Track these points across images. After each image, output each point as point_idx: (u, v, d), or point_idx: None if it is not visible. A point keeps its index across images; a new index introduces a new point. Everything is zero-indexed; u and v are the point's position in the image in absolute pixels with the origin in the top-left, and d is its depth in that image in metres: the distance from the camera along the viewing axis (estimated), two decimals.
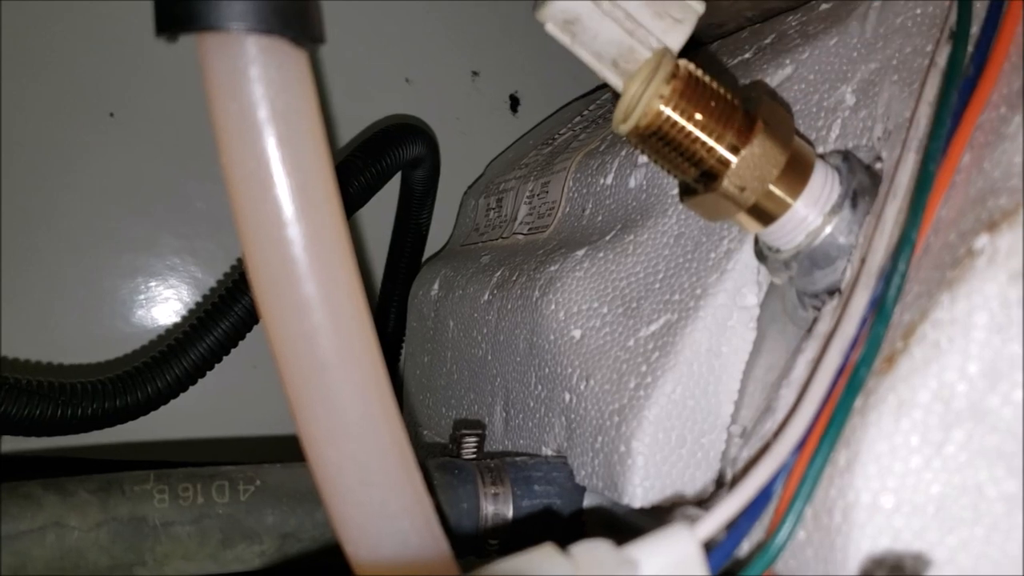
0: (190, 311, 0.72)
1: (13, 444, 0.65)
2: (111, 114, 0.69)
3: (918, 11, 0.36)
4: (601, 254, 0.42)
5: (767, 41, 0.45)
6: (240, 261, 0.71)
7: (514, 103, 0.79)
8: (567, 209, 0.49)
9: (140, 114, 0.70)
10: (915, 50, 0.35)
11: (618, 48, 0.32)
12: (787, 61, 0.41)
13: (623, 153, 0.46)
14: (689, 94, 0.32)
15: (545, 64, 0.77)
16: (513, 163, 0.63)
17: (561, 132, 0.60)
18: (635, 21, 0.31)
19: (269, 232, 0.24)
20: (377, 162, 0.64)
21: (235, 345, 0.61)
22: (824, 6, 0.43)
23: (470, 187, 0.71)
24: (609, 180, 0.46)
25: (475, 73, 0.78)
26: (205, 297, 0.72)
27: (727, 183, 0.32)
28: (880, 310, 0.26)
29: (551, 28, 0.32)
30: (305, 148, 0.24)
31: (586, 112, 0.60)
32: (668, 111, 0.32)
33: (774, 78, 0.41)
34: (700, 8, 0.33)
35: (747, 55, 0.45)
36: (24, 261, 0.68)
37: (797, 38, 0.42)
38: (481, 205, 0.63)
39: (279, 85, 0.24)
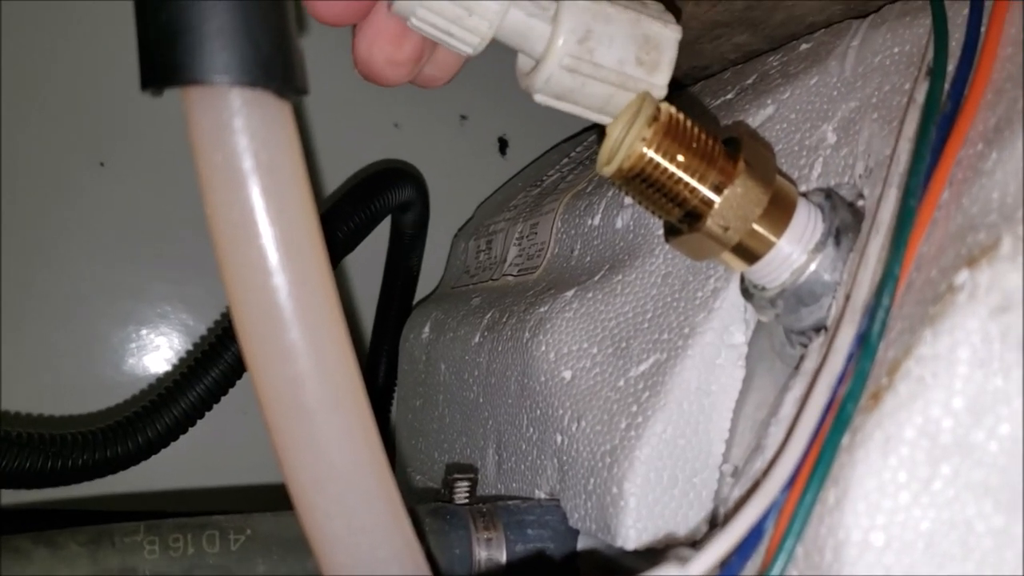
0: (181, 359, 0.72)
1: (3, 497, 0.65)
2: (101, 163, 0.69)
3: (895, 50, 0.36)
4: (590, 295, 0.42)
5: (749, 81, 0.46)
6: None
7: (502, 145, 0.80)
8: (556, 250, 0.50)
9: (130, 163, 0.70)
10: (893, 88, 0.35)
11: (609, 99, 0.33)
12: (768, 101, 0.41)
13: (609, 194, 0.46)
14: (671, 136, 0.32)
15: (532, 106, 0.79)
16: (502, 205, 0.63)
17: (549, 174, 0.61)
18: (622, 73, 0.32)
19: (254, 280, 0.24)
20: (366, 207, 0.64)
21: (225, 392, 0.61)
22: (804, 46, 0.44)
23: (460, 229, 0.72)
24: (596, 221, 0.46)
25: (463, 117, 0.79)
26: (196, 344, 0.72)
27: (711, 223, 0.32)
28: (865, 345, 0.27)
29: (541, 99, 0.33)
30: (289, 198, 0.25)
31: (573, 154, 0.61)
32: (651, 153, 0.32)
33: (756, 118, 0.41)
34: (677, 34, 0.33)
35: (729, 96, 0.46)
36: (14, 311, 0.68)
37: (778, 78, 0.43)
38: (471, 247, 0.63)
39: (263, 137, 0.24)
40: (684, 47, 0.34)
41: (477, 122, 0.79)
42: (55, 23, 0.68)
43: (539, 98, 0.33)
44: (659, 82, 0.33)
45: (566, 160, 0.61)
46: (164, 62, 0.23)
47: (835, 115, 0.37)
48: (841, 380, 0.27)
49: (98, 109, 0.69)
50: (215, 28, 0.23)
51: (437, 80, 0.36)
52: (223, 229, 0.24)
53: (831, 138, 0.37)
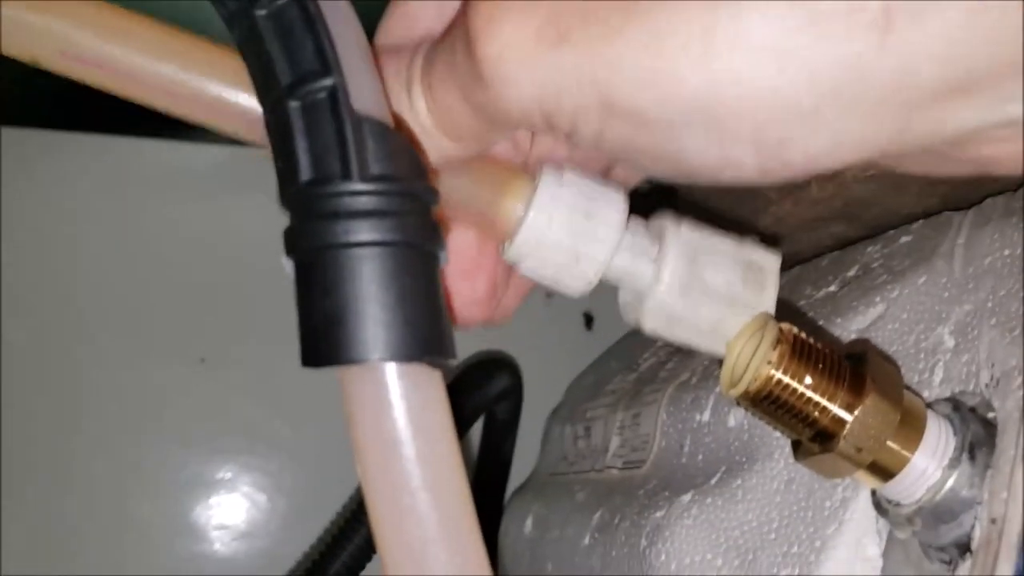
0: (277, 552, 0.72)
1: None
2: (202, 359, 0.72)
3: (1006, 252, 0.36)
4: (709, 500, 0.42)
5: (851, 273, 0.46)
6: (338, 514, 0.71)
7: (588, 321, 0.81)
8: (663, 444, 0.49)
9: (230, 359, 0.72)
10: (1008, 293, 0.35)
11: (718, 322, 0.33)
12: (877, 299, 0.41)
13: (717, 389, 0.46)
14: (797, 357, 0.32)
15: None
16: (597, 388, 0.63)
17: (645, 357, 0.61)
18: (731, 294, 0.32)
19: (412, 552, 0.25)
20: (466, 405, 0.65)
21: None
22: (905, 239, 0.44)
23: (554, 412, 0.72)
24: (706, 417, 0.46)
25: (548, 295, 0.80)
26: (293, 538, 0.73)
27: (844, 445, 0.32)
28: None
29: (651, 326, 0.33)
30: (442, 463, 0.25)
31: None
32: (779, 375, 0.32)
33: (866, 316, 0.41)
34: (777, 258, 0.34)
35: (832, 288, 0.46)
36: (105, 502, 0.70)
37: (884, 274, 0.43)
38: (568, 433, 0.63)
39: (417, 405, 0.25)
40: (781, 238, 0.35)
41: (562, 299, 0.80)
42: (162, 229, 0.72)
43: (649, 325, 0.33)
44: (767, 302, 0.34)
45: (661, 343, 0.61)
46: (326, 345, 0.24)
47: (950, 317, 0.37)
48: None
49: (198, 306, 0.72)
50: (372, 313, 0.24)
51: (508, 316, 0.37)
52: (378, 495, 0.25)
53: (949, 342, 0.37)
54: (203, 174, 0.73)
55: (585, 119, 0.25)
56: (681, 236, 0.32)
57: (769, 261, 0.34)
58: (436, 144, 0.28)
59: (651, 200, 0.36)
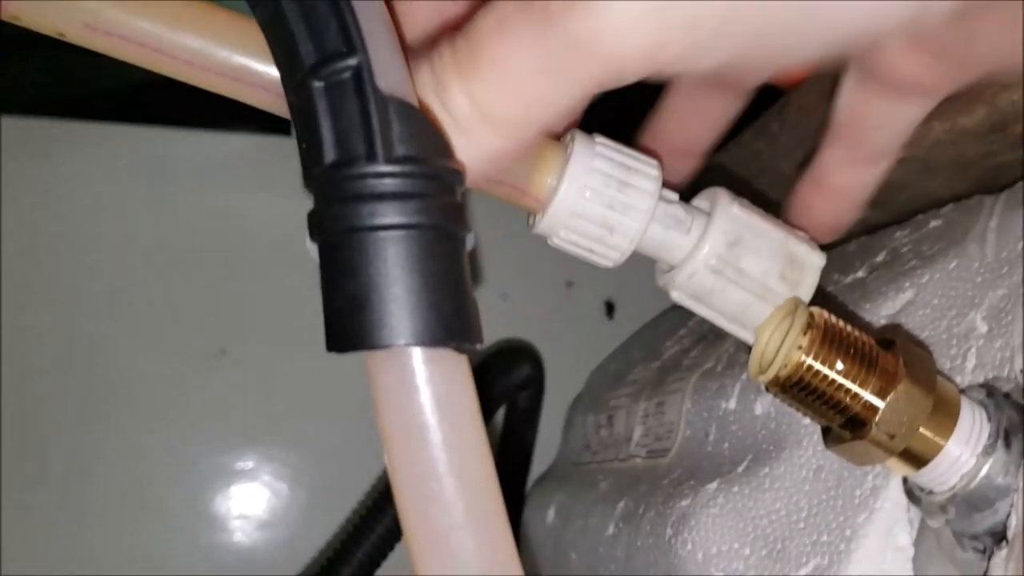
0: (296, 542, 0.72)
1: None
2: (222, 350, 0.72)
3: None
4: (735, 488, 0.41)
5: (879, 259, 0.45)
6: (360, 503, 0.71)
7: (609, 309, 0.80)
8: (688, 433, 0.49)
9: (249, 349, 0.72)
10: None
11: (746, 308, 0.32)
12: (907, 284, 0.41)
13: (744, 376, 0.46)
14: (829, 342, 0.32)
15: (638, 268, 0.80)
16: (619, 377, 0.63)
17: (668, 345, 0.60)
18: (764, 285, 0.32)
19: (438, 539, 0.24)
20: (486, 394, 0.65)
21: None
22: (934, 223, 0.43)
23: (575, 400, 0.71)
24: (732, 404, 0.46)
25: (569, 283, 0.80)
26: (312, 528, 0.73)
27: (876, 431, 0.31)
28: None
29: (678, 296, 0.33)
30: (469, 449, 0.25)
31: (691, 323, 0.61)
32: (809, 360, 0.31)
33: (896, 302, 0.40)
34: (821, 261, 0.33)
35: (860, 273, 0.45)
36: (125, 492, 0.70)
37: (913, 258, 0.42)
38: (590, 422, 0.63)
39: (443, 390, 0.24)
40: None
41: (583, 287, 0.80)
42: (183, 220, 0.72)
43: (676, 295, 0.33)
44: (802, 297, 0.33)
45: (684, 331, 0.60)
46: (351, 330, 0.24)
47: (983, 302, 0.37)
48: None
49: (218, 296, 0.72)
50: (398, 297, 0.23)
51: None
52: (404, 481, 0.25)
53: (982, 327, 0.36)
54: (222, 164, 0.73)
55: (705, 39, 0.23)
56: (731, 213, 0.32)
57: (813, 259, 0.33)
58: (475, 140, 0.25)
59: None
